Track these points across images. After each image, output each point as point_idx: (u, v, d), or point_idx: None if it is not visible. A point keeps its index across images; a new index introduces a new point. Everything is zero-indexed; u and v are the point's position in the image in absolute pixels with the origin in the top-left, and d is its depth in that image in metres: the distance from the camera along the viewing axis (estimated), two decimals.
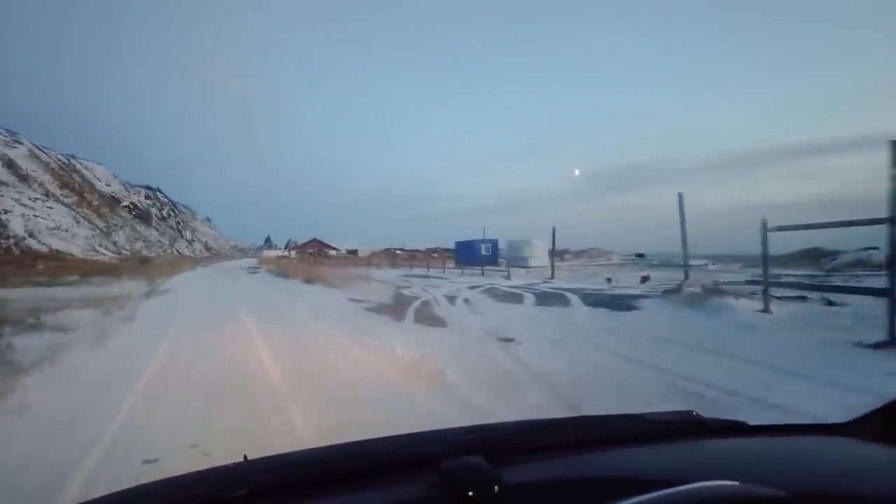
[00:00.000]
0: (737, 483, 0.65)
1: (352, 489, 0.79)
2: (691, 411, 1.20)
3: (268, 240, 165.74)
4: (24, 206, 45.74)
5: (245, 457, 0.90)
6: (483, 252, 30.79)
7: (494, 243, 33.39)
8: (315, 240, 67.59)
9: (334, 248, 62.44)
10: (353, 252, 63.12)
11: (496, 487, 0.69)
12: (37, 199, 49.08)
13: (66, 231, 47.33)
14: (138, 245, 71.01)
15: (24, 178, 56.79)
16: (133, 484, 0.80)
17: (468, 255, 30.02)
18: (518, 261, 25.80)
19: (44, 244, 40.87)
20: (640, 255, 31.26)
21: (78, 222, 51.50)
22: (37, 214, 45.72)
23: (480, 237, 34.04)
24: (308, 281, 18.25)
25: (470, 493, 0.68)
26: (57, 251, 40.34)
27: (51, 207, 49.28)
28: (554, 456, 0.94)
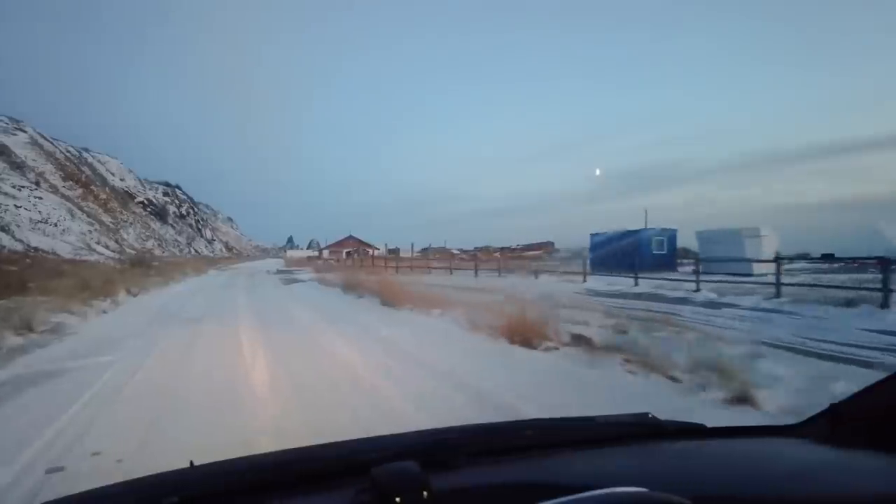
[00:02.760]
0: (644, 490, 0.64)
1: (287, 495, 0.78)
2: (647, 413, 1.16)
3: (290, 240, 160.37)
4: (4, 194, 37.28)
5: (191, 462, 0.88)
6: (653, 248, 20.19)
7: (671, 236, 21.59)
8: (352, 237, 58.17)
9: (375, 248, 53.11)
10: (395, 251, 53.59)
11: (425, 493, 0.67)
12: (22, 187, 40.65)
13: (55, 225, 38.73)
14: (150, 243, 62.80)
15: (17, 166, 48.79)
16: None
17: (618, 253, 19.69)
18: (723, 265, 15.36)
19: (19, 240, 32.10)
20: (828, 256, 20.56)
21: (73, 216, 42.92)
22: (19, 205, 37.22)
23: (631, 227, 21.77)
24: (391, 303, 9.36)
25: (397, 499, 0.66)
26: (34, 248, 31.57)
27: (39, 197, 40.80)
28: (496, 460, 0.92)
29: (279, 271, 33.01)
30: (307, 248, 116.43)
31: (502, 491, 0.80)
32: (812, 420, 1.06)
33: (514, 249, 51.30)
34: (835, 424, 1.01)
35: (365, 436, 1.01)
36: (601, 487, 0.64)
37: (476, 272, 22.39)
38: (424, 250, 55.84)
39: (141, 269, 23.26)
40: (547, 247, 51.08)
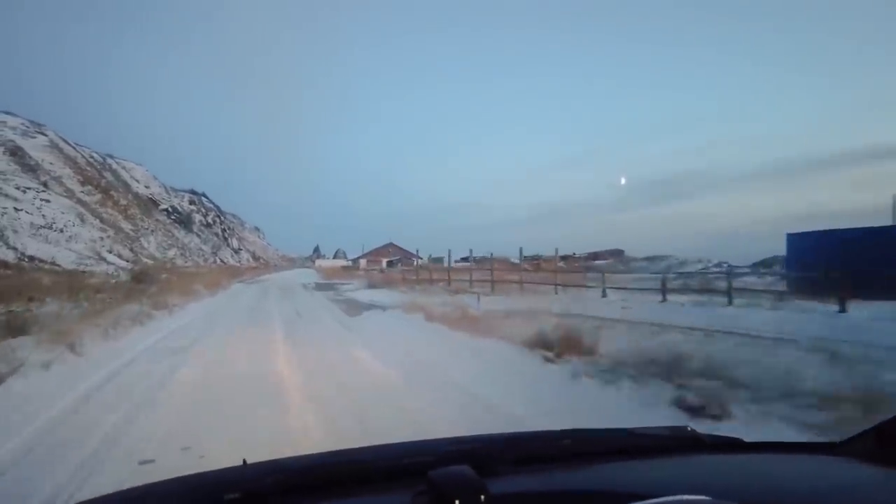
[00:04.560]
0: (709, 498, 0.64)
1: (343, 495, 0.80)
2: (686, 426, 1.15)
3: (316, 249, 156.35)
4: (4, 195, 32.64)
5: (244, 461, 0.90)
6: None
7: None
8: (392, 244, 52.02)
9: (418, 257, 46.94)
10: (438, 260, 47.27)
11: (482, 497, 0.69)
12: (28, 188, 36.05)
13: (62, 231, 33.87)
14: (172, 252, 58.24)
15: (30, 168, 44.70)
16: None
17: (870, 261, 11.79)
18: None
19: (12, 247, 27.06)
20: None
21: (83, 221, 38.13)
22: (20, 208, 32.50)
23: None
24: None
25: (456, 502, 0.68)
26: (28, 257, 26.48)
27: (46, 201, 36.14)
28: (543, 468, 0.94)
29: (318, 285, 26.94)
30: (333, 258, 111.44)
31: (554, 498, 0.81)
32: (856, 438, 1.02)
33: (576, 258, 44.46)
34: (880, 443, 0.96)
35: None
36: (647, 497, 0.63)
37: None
38: (465, 259, 49.29)
39: (142, 285, 17.41)
40: (615, 255, 44.13)
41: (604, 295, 13.22)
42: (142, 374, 5.34)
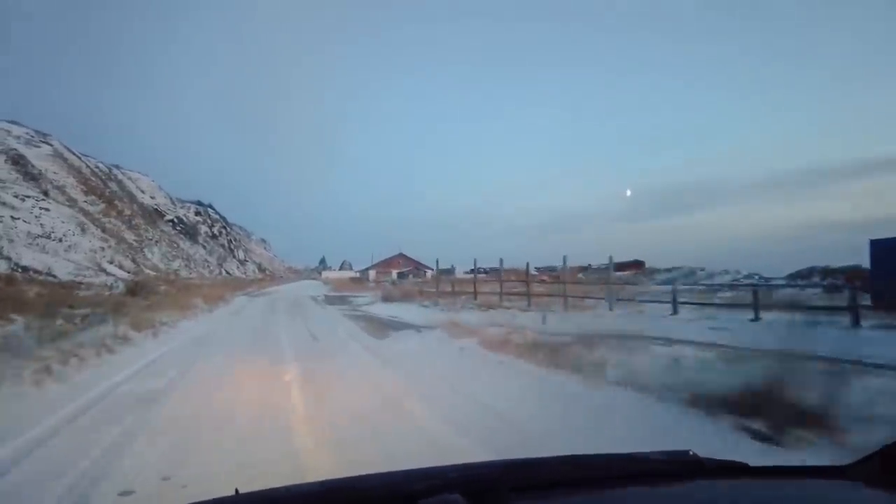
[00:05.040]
0: None
1: None
2: (688, 451, 1.10)
3: (322, 261, 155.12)
4: (3, 204, 31.24)
5: (237, 490, 0.89)
6: None
7: None
8: (402, 255, 50.03)
9: (428, 268, 45.07)
10: (448, 272, 45.37)
11: None
12: (27, 196, 34.66)
13: (61, 241, 32.37)
14: (176, 263, 56.78)
15: (32, 177, 43.46)
16: None
17: None
18: None
19: (5, 257, 25.48)
20: None
21: (84, 231, 36.67)
22: (17, 216, 31.02)
23: None
24: None
25: None
26: (22, 268, 24.89)
27: (46, 209, 34.73)
28: (540, 495, 0.91)
29: (329, 298, 25.05)
30: (339, 269, 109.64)
31: None
32: (862, 462, 1.00)
33: (596, 269, 42.46)
34: (886, 467, 0.93)
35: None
36: None
37: (604, 299, 13.87)
38: (472, 271, 47.24)
39: (136, 298, 15.67)
40: (637, 266, 42.01)
41: (674, 311, 11.27)
42: (51, 469, 3.05)
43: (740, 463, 1.08)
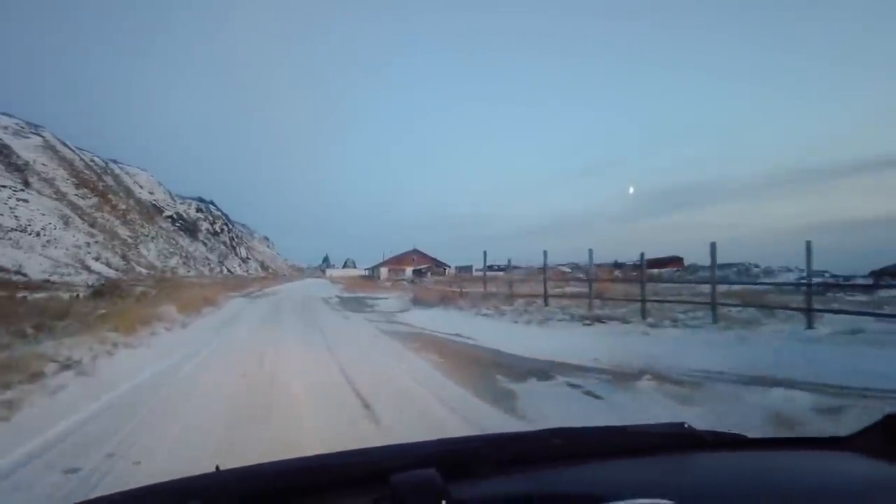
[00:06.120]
0: (671, 502, 0.61)
1: (307, 502, 0.77)
2: (683, 423, 1.09)
3: (326, 259, 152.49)
4: None
5: (217, 467, 0.88)
6: None
7: None
8: (417, 251, 46.34)
9: (446, 265, 41.58)
10: (466, 269, 41.98)
11: (443, 502, 0.65)
12: (2, 187, 31.37)
13: (38, 235, 29.07)
14: (174, 261, 53.51)
15: (16, 167, 40.30)
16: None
17: None
18: None
19: None
20: None
21: (68, 224, 33.36)
22: None
23: None
24: None
25: None
26: None
27: (24, 200, 31.46)
28: (526, 469, 0.88)
29: (344, 301, 21.31)
30: (343, 267, 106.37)
31: (524, 501, 0.76)
32: (864, 432, 0.97)
33: (630, 266, 39.03)
34: (887, 438, 0.91)
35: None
36: (630, 499, 0.61)
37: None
38: (489, 268, 43.79)
39: (103, 300, 12.25)
40: (676, 262, 38.52)
41: (809, 326, 7.64)
42: None
43: (738, 435, 1.07)
